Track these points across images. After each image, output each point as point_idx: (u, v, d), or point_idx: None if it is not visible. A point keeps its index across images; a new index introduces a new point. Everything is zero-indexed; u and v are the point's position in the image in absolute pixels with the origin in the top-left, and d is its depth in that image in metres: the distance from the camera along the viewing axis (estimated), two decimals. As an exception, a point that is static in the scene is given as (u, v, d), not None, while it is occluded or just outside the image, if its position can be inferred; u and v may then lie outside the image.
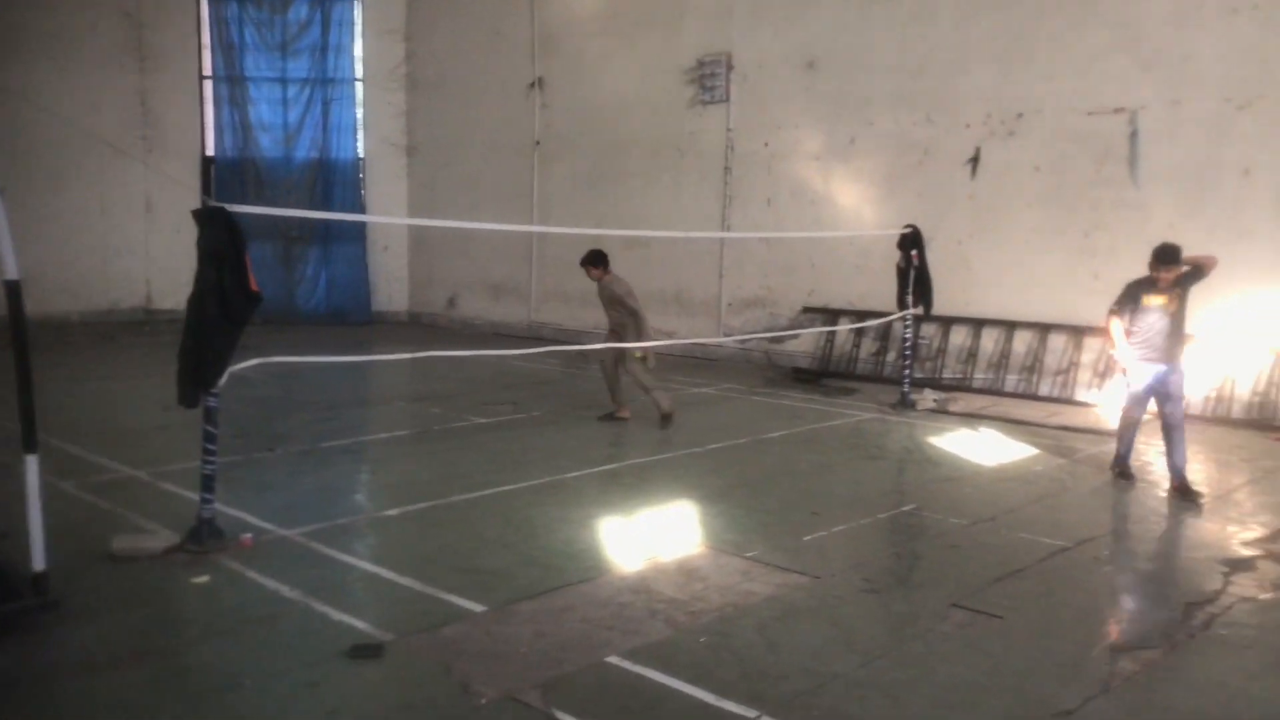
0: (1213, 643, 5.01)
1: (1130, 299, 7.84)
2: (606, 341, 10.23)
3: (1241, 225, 10.81)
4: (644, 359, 10.01)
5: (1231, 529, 6.97)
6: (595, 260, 10.08)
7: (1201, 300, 10.89)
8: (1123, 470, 8.23)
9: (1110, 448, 9.59)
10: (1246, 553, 6.41)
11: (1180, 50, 11.15)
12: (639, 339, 9.96)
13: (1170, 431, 7.77)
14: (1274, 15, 10.52)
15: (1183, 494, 7.66)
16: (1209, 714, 4.27)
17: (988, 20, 12.53)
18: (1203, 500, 7.52)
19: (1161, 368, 7.76)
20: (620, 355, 10.10)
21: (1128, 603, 5.47)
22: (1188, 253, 7.71)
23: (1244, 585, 5.79)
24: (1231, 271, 10.83)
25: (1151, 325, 7.76)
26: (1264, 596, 5.63)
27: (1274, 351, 10.69)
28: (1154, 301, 7.71)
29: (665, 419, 10.07)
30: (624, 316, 10.04)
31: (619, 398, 10.39)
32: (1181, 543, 6.62)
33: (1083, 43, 11.81)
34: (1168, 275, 7.62)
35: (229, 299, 5.88)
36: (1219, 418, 10.84)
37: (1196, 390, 11.03)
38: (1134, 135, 11.50)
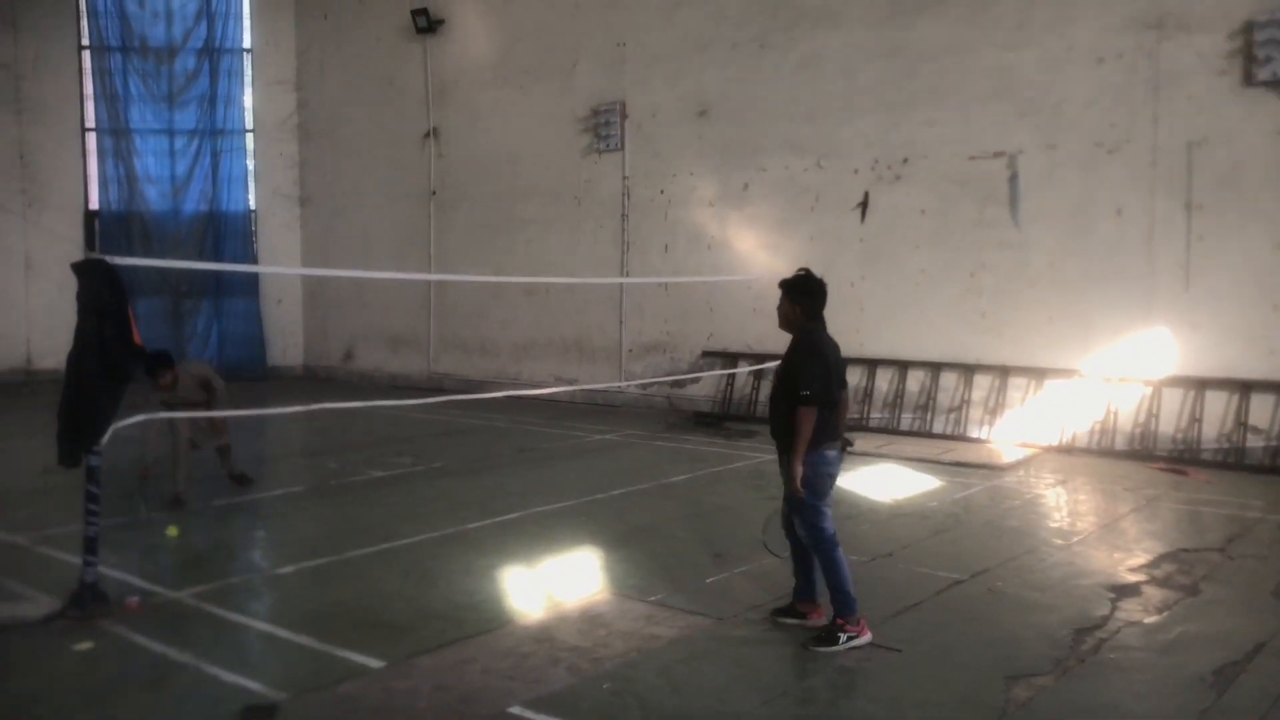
0: (1102, 666, 5.15)
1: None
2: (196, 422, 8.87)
3: (1116, 264, 11.29)
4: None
5: (1118, 555, 7.22)
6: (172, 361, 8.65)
7: (1082, 337, 11.46)
8: None
9: (1003, 482, 9.88)
10: (1132, 579, 6.63)
11: (1053, 97, 11.68)
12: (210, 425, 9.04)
13: None
14: (1137, 64, 11.11)
15: None
16: (1100, 736, 4.39)
17: (872, 69, 12.95)
18: None
19: None
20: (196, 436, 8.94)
21: (1021, 631, 5.60)
22: None
23: (1130, 610, 5.98)
24: (1110, 309, 11.36)
25: None
26: (1149, 620, 5.83)
27: (1150, 385, 11.15)
28: None
29: (177, 500, 8.63)
30: (200, 400, 8.85)
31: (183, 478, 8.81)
32: (1070, 571, 6.81)
33: (963, 90, 12.29)
34: None
35: (111, 354, 5.69)
36: (1103, 449, 11.25)
37: (1082, 424, 11.45)
38: (1013, 178, 11.98)
